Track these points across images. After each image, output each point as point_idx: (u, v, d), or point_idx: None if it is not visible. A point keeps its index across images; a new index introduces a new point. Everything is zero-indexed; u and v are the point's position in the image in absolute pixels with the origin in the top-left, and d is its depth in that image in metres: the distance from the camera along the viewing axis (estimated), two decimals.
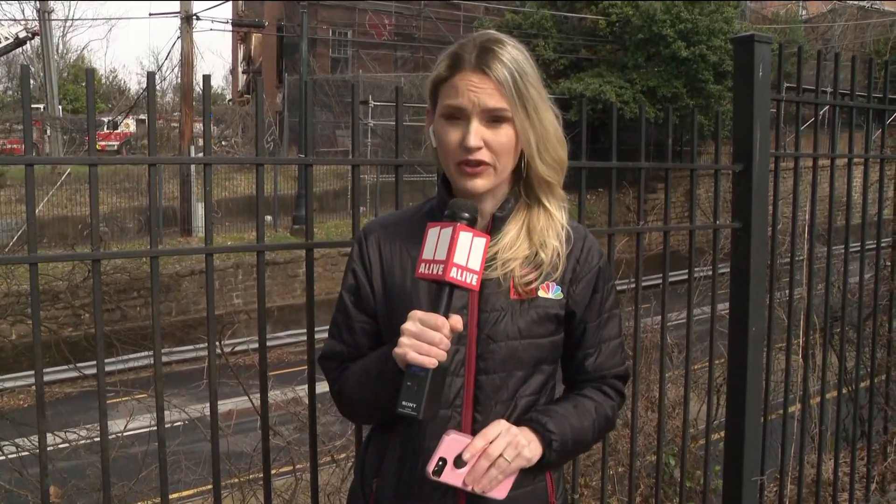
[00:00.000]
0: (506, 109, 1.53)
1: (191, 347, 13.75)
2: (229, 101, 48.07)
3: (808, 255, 3.39)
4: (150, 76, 2.04)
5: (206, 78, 2.34)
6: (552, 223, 1.64)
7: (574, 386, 1.76)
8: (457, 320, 1.43)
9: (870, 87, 3.63)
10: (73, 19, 46.44)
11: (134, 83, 52.59)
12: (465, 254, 1.42)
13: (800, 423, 3.51)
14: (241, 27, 32.68)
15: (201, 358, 13.17)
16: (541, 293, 1.61)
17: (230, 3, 32.50)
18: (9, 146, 33.16)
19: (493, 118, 1.53)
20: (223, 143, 31.06)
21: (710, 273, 3.03)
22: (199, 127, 33.62)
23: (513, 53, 1.55)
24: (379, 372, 1.56)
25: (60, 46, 48.82)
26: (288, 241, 18.86)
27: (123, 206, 21.44)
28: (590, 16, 26.33)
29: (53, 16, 33.69)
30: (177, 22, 21.27)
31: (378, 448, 1.69)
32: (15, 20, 37.33)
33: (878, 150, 3.99)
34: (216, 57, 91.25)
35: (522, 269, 1.60)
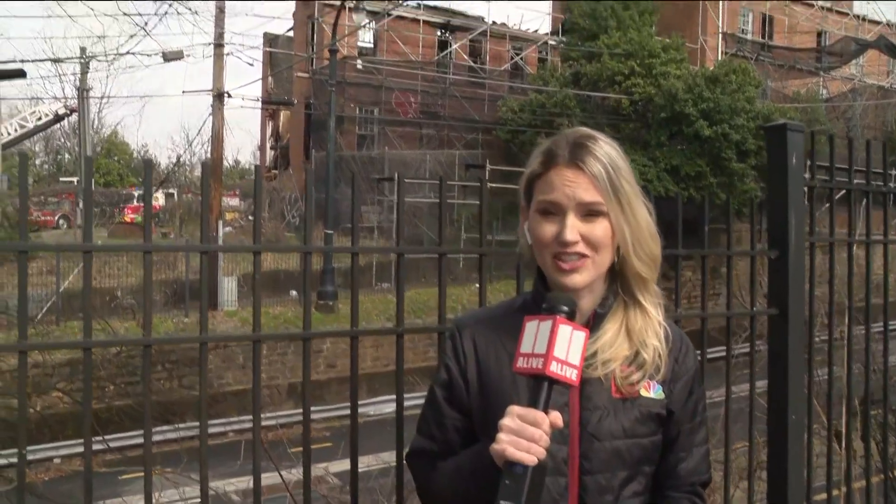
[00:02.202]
0: (601, 203, 1.53)
1: (217, 422, 13.67)
2: None
3: (847, 339, 3.36)
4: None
5: (205, 166, 2.40)
6: (650, 322, 1.61)
7: (661, 490, 1.67)
8: (557, 416, 1.39)
9: (885, 170, 3.68)
10: (109, 97, 47.70)
11: (164, 158, 53.86)
12: (564, 348, 1.39)
13: None
14: (272, 104, 33.48)
15: (223, 433, 13.09)
16: (643, 392, 1.58)
17: (260, 80, 33.47)
18: (42, 217, 33.94)
19: (589, 212, 1.53)
20: (250, 217, 31.52)
21: (745, 350, 3.01)
22: (227, 201, 34.25)
23: (605, 148, 1.57)
24: (473, 469, 1.52)
25: (96, 122, 50.25)
26: (312, 315, 18.87)
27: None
28: (613, 95, 26.75)
29: (91, 93, 34.71)
30: (209, 99, 21.82)
31: None
32: (56, 98, 38.62)
33: None
34: (244, 132, 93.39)
35: (623, 366, 1.57)
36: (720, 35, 35.40)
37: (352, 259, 2.25)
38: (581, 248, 1.53)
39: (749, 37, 37.14)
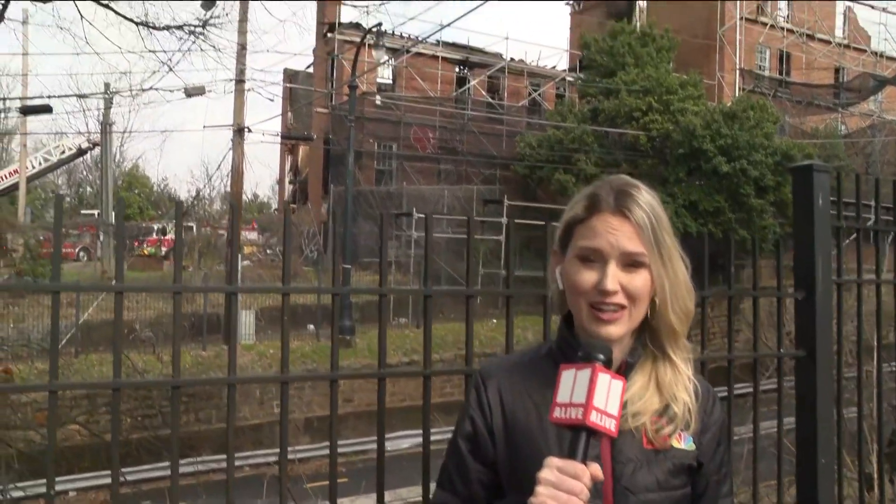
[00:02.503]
0: (643, 254, 1.50)
1: (237, 455, 13.59)
2: (274, 210, 49.33)
3: (877, 378, 3.32)
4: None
5: (233, 208, 2.42)
6: (679, 377, 1.58)
7: None
8: (597, 469, 1.34)
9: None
10: (131, 131, 48.44)
11: (184, 191, 54.42)
12: (603, 397, 1.35)
13: None
14: (291, 139, 33.83)
15: (239, 467, 13.04)
16: (675, 444, 1.55)
17: (280, 115, 33.85)
18: (63, 250, 34.31)
19: (630, 262, 1.50)
20: (268, 251, 31.72)
21: (770, 387, 2.99)
22: (245, 235, 34.50)
23: (648, 199, 1.56)
24: None
25: (118, 156, 50.97)
26: (327, 349, 18.87)
27: (169, 311, 21.76)
28: (631, 131, 26.83)
29: (114, 127, 35.27)
30: (229, 133, 22.06)
31: None
32: (79, 132, 39.25)
33: None
34: (263, 166, 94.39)
35: (653, 417, 1.54)
36: (737, 72, 35.57)
37: (380, 301, 2.24)
38: (620, 298, 1.49)
39: (766, 73, 37.28)
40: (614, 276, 1.49)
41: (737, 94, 33.46)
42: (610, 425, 1.34)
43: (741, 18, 35.45)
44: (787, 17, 38.28)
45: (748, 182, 24.80)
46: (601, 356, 1.39)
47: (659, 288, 1.53)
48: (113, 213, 35.22)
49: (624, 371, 1.54)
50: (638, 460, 1.52)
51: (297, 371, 17.56)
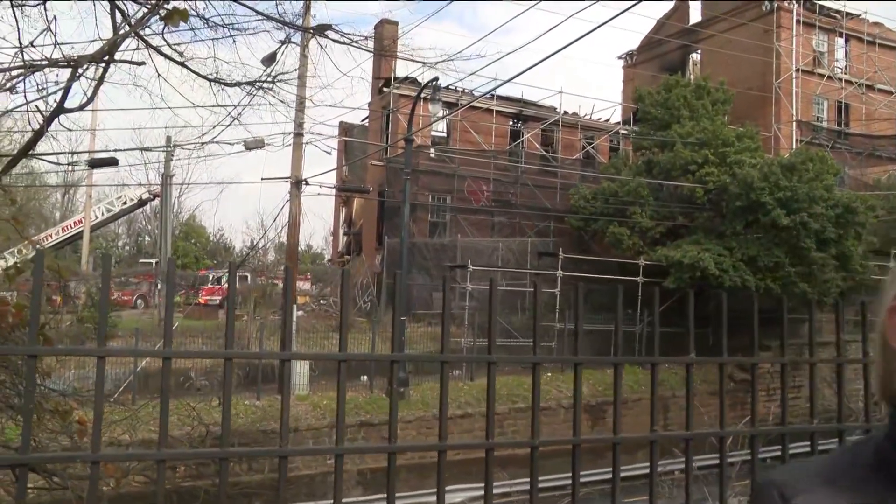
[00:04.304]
0: None
1: None
2: (328, 261, 49.95)
3: None
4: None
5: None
6: None
7: None
8: None
9: None
10: (190, 183, 49.94)
11: (238, 241, 55.57)
12: None
13: None
14: (347, 192, 34.42)
15: None
16: None
17: (335, 169, 34.53)
18: (122, 297, 35.27)
19: None
20: (321, 301, 32.08)
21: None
22: (299, 285, 35.00)
23: None
24: None
25: (176, 206, 52.40)
26: (382, 400, 18.98)
27: None
28: (686, 184, 26.71)
29: (174, 180, 36.41)
30: (286, 185, 22.49)
31: None
32: (140, 184, 40.58)
33: None
34: (317, 217, 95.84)
35: None
36: (794, 123, 35.25)
37: (441, 368, 2.29)
38: None
39: (824, 124, 36.88)
40: None
41: (794, 146, 33.13)
42: None
43: (797, 70, 35.28)
44: (845, 68, 37.97)
45: (809, 235, 24.36)
46: None
47: None
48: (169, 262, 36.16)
49: None
50: None
51: (350, 420, 17.67)
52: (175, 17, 3.42)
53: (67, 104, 4.39)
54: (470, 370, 21.03)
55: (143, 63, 4.59)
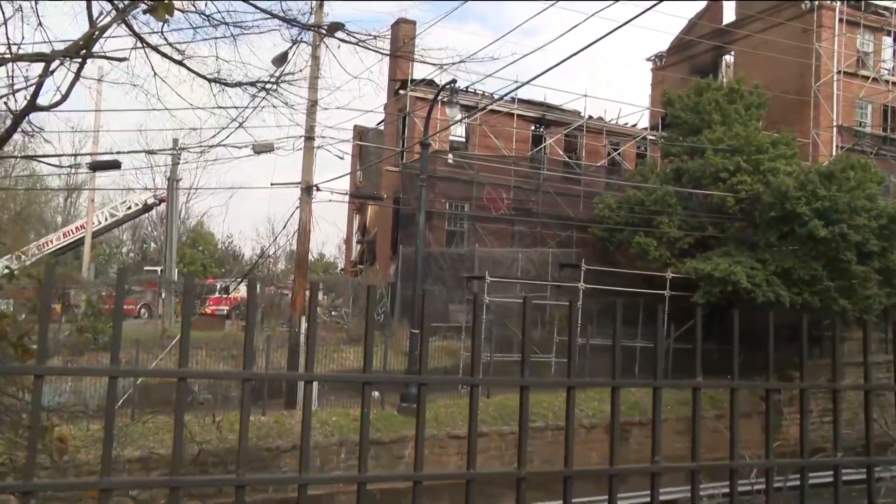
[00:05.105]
0: None
1: None
2: (341, 270, 50.07)
3: None
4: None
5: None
6: None
7: None
8: None
9: None
10: (197, 188, 50.30)
11: (248, 249, 55.84)
12: None
13: None
14: (361, 198, 34.50)
15: None
16: None
17: (348, 174, 34.63)
18: (124, 307, 35.49)
19: None
20: (333, 312, 32.11)
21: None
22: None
23: None
24: None
25: (183, 212, 52.78)
26: (393, 417, 18.94)
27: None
28: (717, 193, 26.51)
29: (181, 184, 36.63)
30: (296, 191, 22.52)
31: None
32: (146, 188, 40.88)
33: None
34: (330, 225, 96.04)
35: None
36: (835, 129, 34.90)
37: (471, 392, 2.26)
38: None
39: (868, 130, 36.46)
40: None
41: (834, 153, 32.81)
42: None
43: (839, 72, 34.88)
44: (893, 69, 37.54)
45: (849, 248, 24.03)
46: None
47: None
48: (176, 270, 36.35)
49: None
50: None
51: (354, 437, 17.60)
52: (160, 10, 3.39)
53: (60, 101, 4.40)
54: (486, 387, 20.97)
55: (125, 59, 4.58)
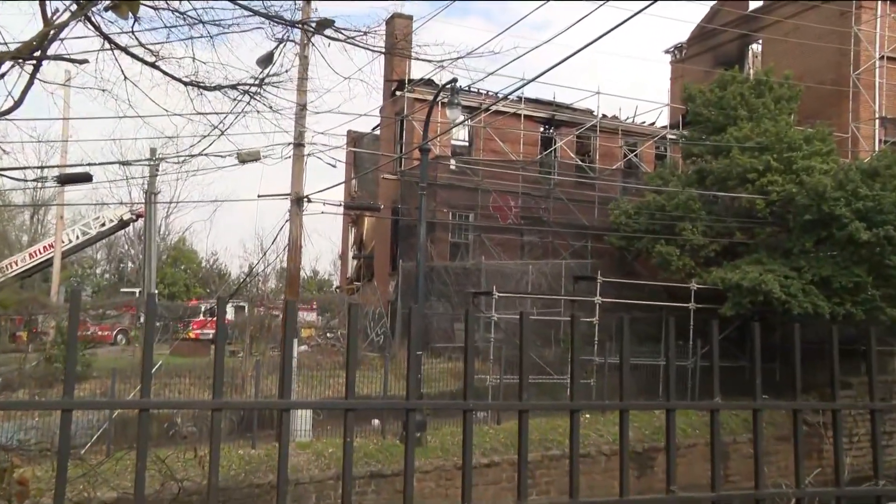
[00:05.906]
0: None
1: None
2: (336, 288, 50.07)
3: None
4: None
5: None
6: None
7: None
8: None
9: None
10: (178, 201, 50.32)
11: (235, 267, 55.86)
12: None
13: None
14: (356, 210, 34.52)
15: None
16: None
17: (343, 183, 34.68)
18: (99, 333, 35.47)
19: None
20: (328, 334, 32.10)
21: None
22: (303, 316, 35.04)
23: None
24: None
25: (163, 228, 52.87)
26: (395, 447, 18.90)
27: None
28: (745, 195, 26.46)
29: (160, 198, 36.68)
30: (286, 203, 22.49)
31: None
32: (121, 202, 40.90)
33: None
34: (324, 239, 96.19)
35: None
36: (877, 121, 34.77)
37: (464, 417, 2.26)
38: None
39: None
40: None
41: (877, 148, 32.72)
42: None
43: (881, 58, 34.71)
44: None
45: (895, 251, 23.89)
46: None
47: None
48: (156, 292, 36.32)
49: None
50: None
51: (359, 471, 17.61)
52: (123, 8, 3.39)
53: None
54: (495, 413, 20.92)
55: (85, 62, 4.58)
